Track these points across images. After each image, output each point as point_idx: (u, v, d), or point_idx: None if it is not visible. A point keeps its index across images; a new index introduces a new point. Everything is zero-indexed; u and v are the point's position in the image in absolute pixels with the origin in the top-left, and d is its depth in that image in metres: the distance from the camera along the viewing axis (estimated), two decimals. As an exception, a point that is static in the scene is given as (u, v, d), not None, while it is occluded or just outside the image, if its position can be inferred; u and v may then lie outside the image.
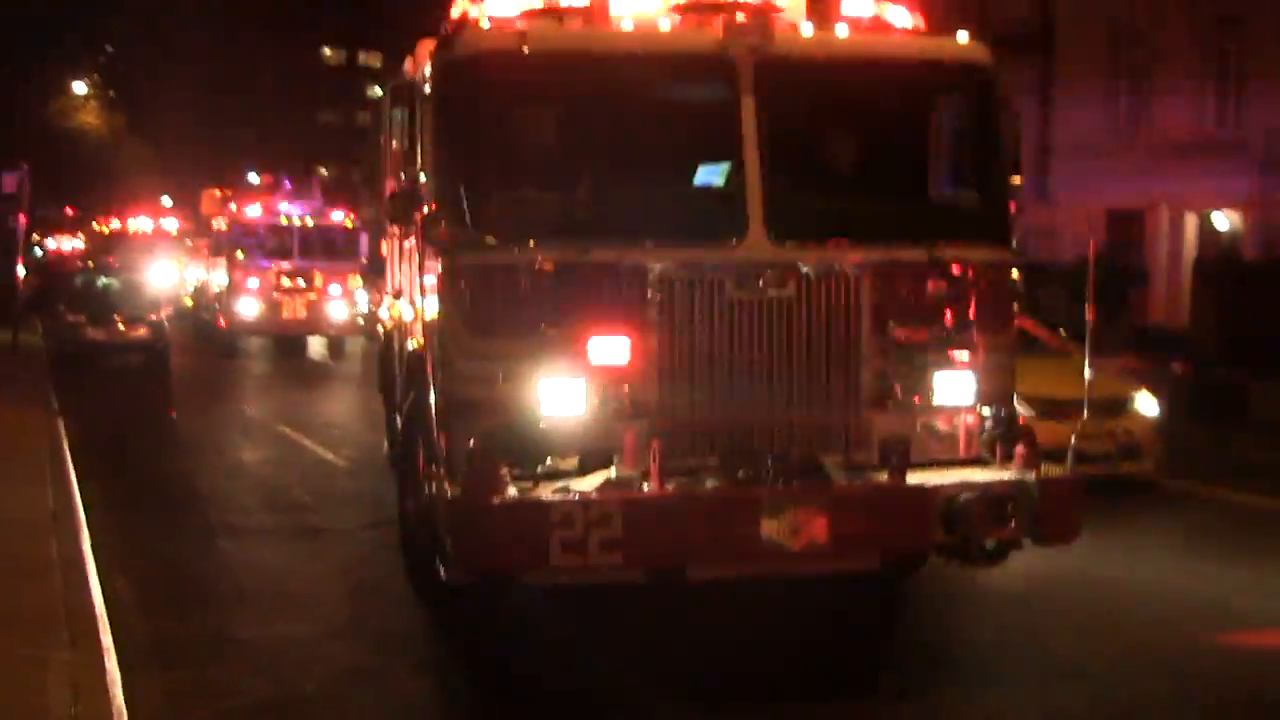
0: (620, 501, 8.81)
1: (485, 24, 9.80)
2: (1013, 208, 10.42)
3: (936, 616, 11.54)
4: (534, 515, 8.70)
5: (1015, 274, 10.52)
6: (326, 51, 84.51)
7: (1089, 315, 10.37)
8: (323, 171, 41.94)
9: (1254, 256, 32.62)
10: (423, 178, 10.14)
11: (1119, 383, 18.11)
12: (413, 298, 11.52)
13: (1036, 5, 39.26)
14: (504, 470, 8.89)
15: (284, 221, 35.33)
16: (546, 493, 8.93)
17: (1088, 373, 10.49)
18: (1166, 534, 15.07)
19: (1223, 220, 35.90)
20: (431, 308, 10.07)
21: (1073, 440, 10.02)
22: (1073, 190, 37.20)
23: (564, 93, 9.97)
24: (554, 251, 9.34)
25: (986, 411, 10.05)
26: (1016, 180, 10.57)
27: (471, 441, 9.06)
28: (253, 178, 47.25)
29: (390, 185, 10.87)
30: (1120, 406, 17.13)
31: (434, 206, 9.75)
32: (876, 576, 10.74)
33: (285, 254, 35.11)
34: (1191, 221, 36.26)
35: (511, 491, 8.85)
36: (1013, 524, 9.36)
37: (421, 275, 10.31)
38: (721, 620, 10.77)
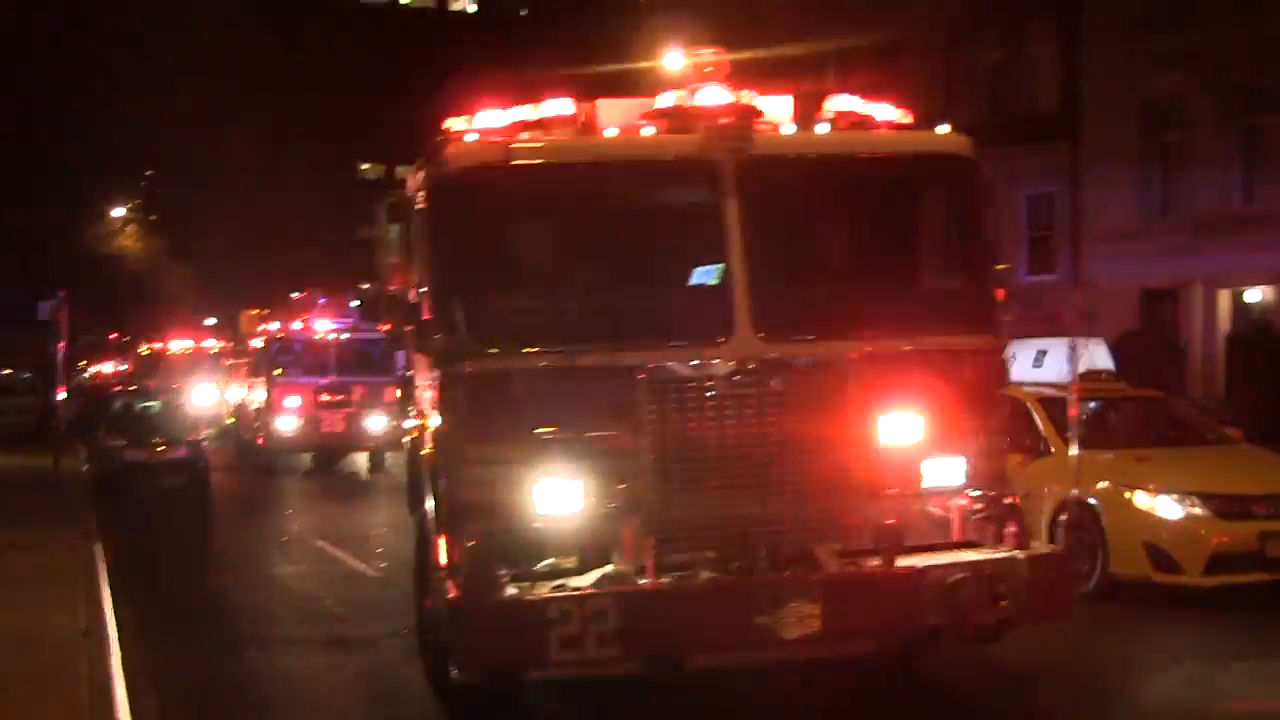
0: (614, 596, 9.01)
1: (474, 137, 10.10)
2: (1000, 293, 10.56)
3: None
4: (530, 613, 8.91)
5: (1005, 357, 10.66)
6: (364, 166, 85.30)
7: (1073, 398, 10.46)
8: (364, 286, 42.29)
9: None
10: (417, 288, 10.41)
11: None
12: (418, 406, 11.78)
13: (1064, 91, 39.50)
14: (502, 571, 9.11)
15: (319, 337, 35.59)
16: (543, 591, 9.13)
17: (1074, 451, 10.55)
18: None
19: (1255, 295, 35.91)
20: (430, 415, 10.30)
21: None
22: (1107, 272, 37.25)
23: (551, 202, 10.21)
24: (545, 357, 9.57)
25: (977, 494, 10.18)
26: (1002, 265, 10.76)
27: (470, 543, 9.29)
28: (295, 295, 47.70)
29: (388, 297, 11.15)
30: None
31: (427, 316, 10.01)
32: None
33: (322, 369, 35.21)
34: (1225, 297, 36.28)
35: (510, 591, 9.06)
36: (1004, 602, 9.48)
37: (419, 384, 10.55)
38: (730, 706, 10.88)
